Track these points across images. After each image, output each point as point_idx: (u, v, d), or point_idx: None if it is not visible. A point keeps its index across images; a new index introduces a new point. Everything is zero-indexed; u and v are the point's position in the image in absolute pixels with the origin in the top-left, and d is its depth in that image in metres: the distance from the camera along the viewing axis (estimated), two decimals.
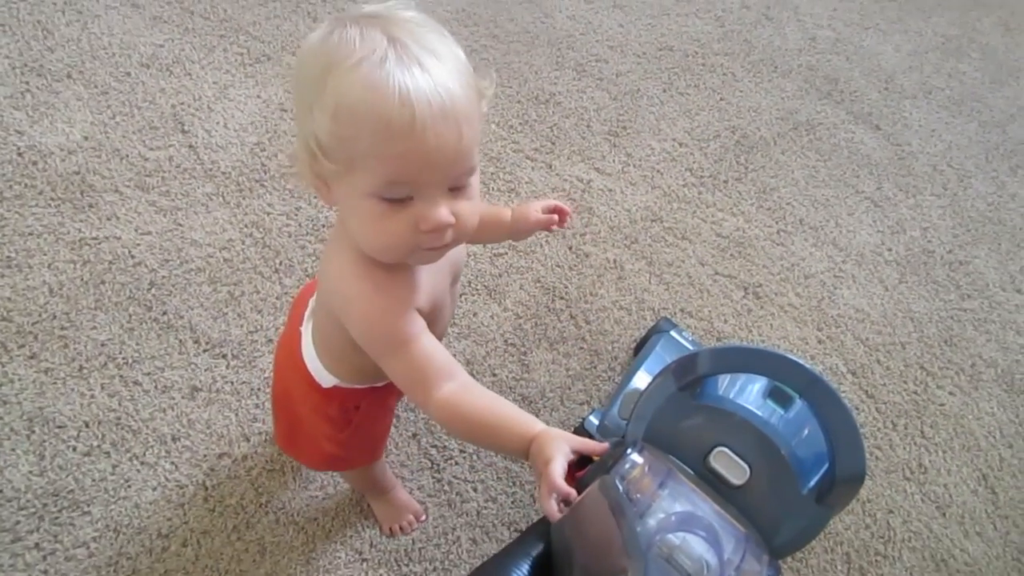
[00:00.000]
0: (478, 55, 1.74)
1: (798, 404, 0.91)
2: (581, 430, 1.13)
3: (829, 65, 1.94)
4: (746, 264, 1.49)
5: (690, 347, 1.21)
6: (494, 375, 1.26)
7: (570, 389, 1.26)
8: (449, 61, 0.56)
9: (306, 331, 0.80)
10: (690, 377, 0.88)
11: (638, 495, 0.79)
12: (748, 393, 0.92)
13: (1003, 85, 1.99)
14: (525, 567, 0.80)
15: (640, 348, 1.27)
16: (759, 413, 0.87)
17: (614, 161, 1.60)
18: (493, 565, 0.81)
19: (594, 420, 1.12)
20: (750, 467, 0.84)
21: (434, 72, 0.54)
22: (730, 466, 0.84)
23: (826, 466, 0.86)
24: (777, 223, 1.57)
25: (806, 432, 0.88)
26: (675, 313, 1.39)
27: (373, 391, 0.81)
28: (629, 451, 0.82)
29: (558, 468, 0.58)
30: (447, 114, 0.54)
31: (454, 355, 1.23)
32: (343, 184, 0.58)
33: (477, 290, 1.35)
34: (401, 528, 1.07)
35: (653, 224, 1.51)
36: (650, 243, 1.48)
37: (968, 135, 1.85)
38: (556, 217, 0.87)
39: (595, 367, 1.29)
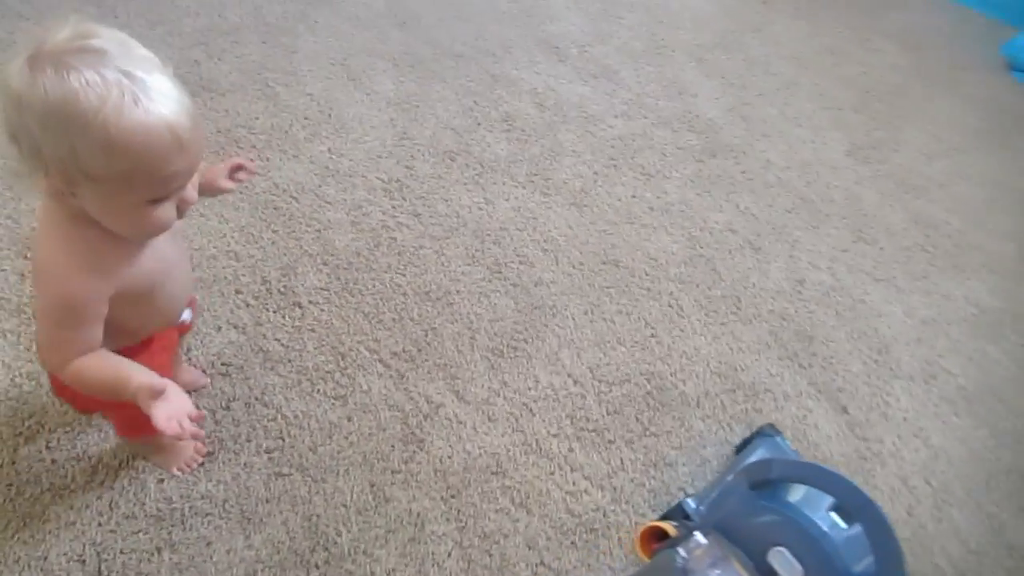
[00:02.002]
0: (388, 232, 1.63)
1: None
2: (678, 509, 1.20)
3: (809, 318, 1.67)
4: (587, 558, 1.20)
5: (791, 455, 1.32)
6: None
7: None
8: (164, 73, 0.69)
9: None
10: (761, 479, 1.03)
11: (694, 569, 0.99)
12: (817, 504, 1.01)
13: None
14: None
15: (742, 448, 1.35)
16: (821, 525, 0.97)
17: (482, 387, 1.40)
18: None
19: (691, 503, 1.18)
20: (805, 571, 0.95)
21: (172, 94, 0.67)
22: (786, 566, 0.96)
23: None
24: (654, 514, 1.28)
25: (863, 549, 0.94)
26: None
27: (131, 350, 0.89)
28: (696, 532, 1.04)
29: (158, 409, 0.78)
30: (196, 123, 0.69)
31: None
32: (106, 197, 0.70)
33: (229, 512, 1.16)
34: (190, 465, 1.18)
35: (492, 478, 1.28)
36: (476, 502, 1.24)
37: (969, 446, 1.49)
38: (235, 185, 0.99)
39: None
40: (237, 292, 1.44)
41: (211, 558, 1.11)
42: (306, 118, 1.85)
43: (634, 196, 1.87)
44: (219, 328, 1.38)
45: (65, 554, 1.07)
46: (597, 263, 1.68)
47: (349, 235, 1.60)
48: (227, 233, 1.53)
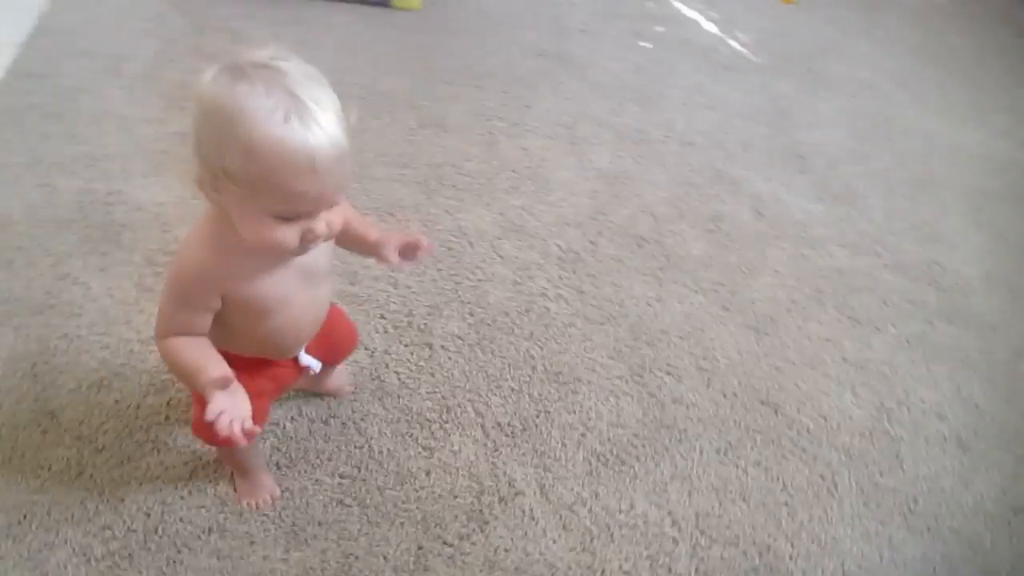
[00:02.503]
0: (544, 301, 1.61)
1: None
2: None
3: (1013, 559, 1.33)
4: None
5: None
6: None
7: None
8: (333, 111, 0.73)
9: None
10: None
11: None
12: None
13: None
14: None
15: None
16: None
17: (571, 489, 1.31)
18: None
19: None
20: None
21: (327, 126, 0.72)
22: None
23: None
24: None
25: None
26: None
27: (238, 360, 0.95)
28: None
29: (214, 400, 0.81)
30: (339, 159, 0.73)
31: None
32: (239, 199, 0.76)
33: (282, 520, 1.20)
34: (257, 505, 1.20)
35: None
36: None
37: None
38: (399, 262, 0.98)
39: None
40: (381, 316, 1.51)
41: (248, 557, 1.16)
42: (513, 171, 1.91)
43: (829, 340, 1.65)
44: None
45: (137, 503, 1.19)
46: (754, 400, 1.50)
47: (505, 293, 1.61)
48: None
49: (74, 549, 1.13)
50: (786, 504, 1.35)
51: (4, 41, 2.08)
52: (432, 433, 1.35)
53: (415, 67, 2.20)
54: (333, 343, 1.13)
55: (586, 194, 1.88)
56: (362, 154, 1.88)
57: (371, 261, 1.56)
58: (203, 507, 1.20)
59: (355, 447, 1.31)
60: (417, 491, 1.27)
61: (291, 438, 1.30)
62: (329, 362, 1.17)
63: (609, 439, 1.39)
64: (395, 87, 2.11)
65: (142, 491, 1.20)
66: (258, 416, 0.99)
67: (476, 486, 1.29)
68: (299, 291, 0.92)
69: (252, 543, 1.17)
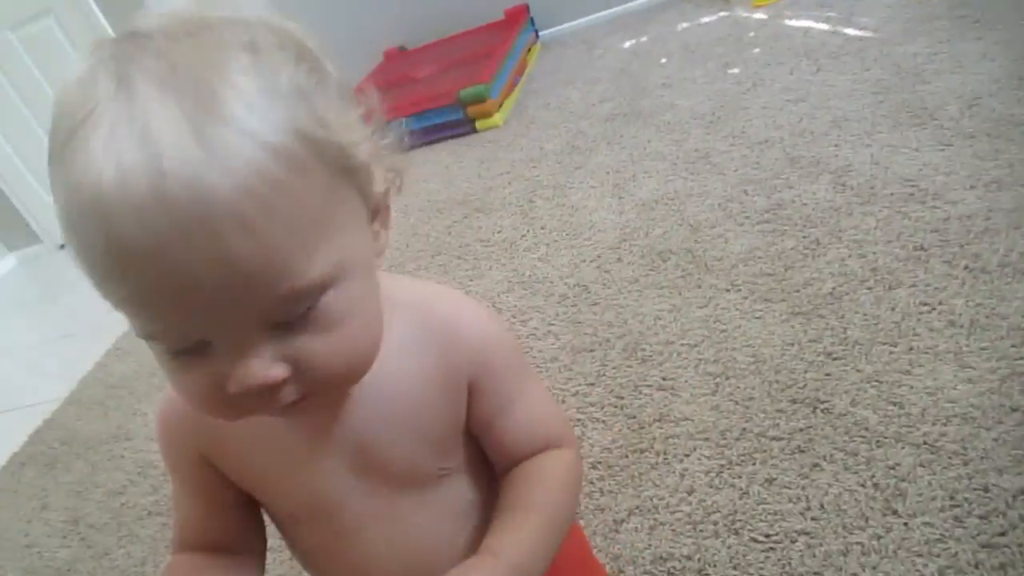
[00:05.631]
0: (534, 340, 1.40)
1: None
2: None
3: None
4: None
5: None
6: None
7: None
8: (243, 106, 0.34)
9: None
10: None
11: None
12: None
13: None
14: None
15: None
16: None
17: None
18: None
19: None
20: None
21: (168, 138, 0.33)
22: None
23: None
24: None
25: None
26: None
27: None
28: None
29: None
30: (199, 220, 0.33)
31: None
32: None
33: None
34: None
35: None
36: None
37: None
38: None
39: None
40: None
41: None
42: (542, 228, 1.78)
43: (927, 303, 1.14)
44: None
45: None
46: (780, 401, 1.07)
47: None
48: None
49: None
50: (807, 535, 0.89)
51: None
52: None
53: (479, 171, 2.24)
54: None
55: (616, 227, 1.66)
56: (402, 252, 1.92)
57: None
58: None
59: None
60: None
61: None
62: None
63: None
64: (454, 194, 2.16)
65: None
66: None
67: None
68: (352, 495, 0.51)
69: None
